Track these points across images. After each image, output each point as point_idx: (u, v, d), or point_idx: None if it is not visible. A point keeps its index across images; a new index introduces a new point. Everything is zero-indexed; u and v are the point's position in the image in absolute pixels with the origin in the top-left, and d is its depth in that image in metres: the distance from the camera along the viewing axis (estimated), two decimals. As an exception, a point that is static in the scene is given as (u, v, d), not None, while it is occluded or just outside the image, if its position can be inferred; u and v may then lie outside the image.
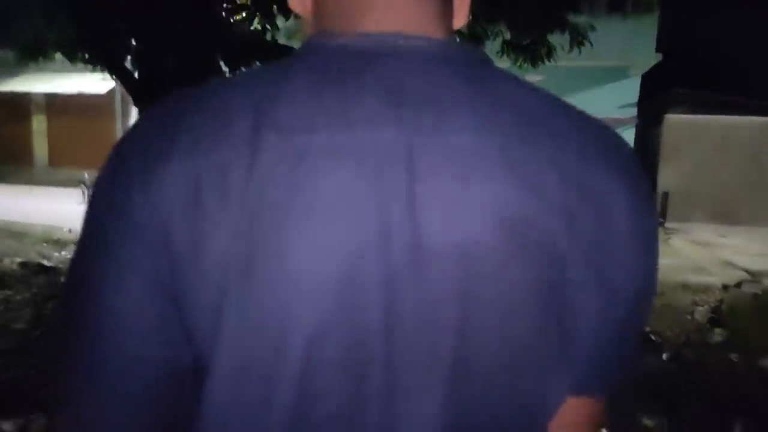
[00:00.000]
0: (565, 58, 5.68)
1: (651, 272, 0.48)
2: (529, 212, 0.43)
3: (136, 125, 0.47)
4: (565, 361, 0.46)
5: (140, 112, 4.81)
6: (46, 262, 5.83)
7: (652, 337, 4.17)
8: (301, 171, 0.42)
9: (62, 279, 5.14)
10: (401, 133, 0.43)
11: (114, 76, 4.82)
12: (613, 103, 11.49)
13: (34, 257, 6.03)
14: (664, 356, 3.81)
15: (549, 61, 5.69)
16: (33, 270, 5.48)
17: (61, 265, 5.73)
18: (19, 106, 13.92)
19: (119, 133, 13.47)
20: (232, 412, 0.43)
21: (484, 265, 0.43)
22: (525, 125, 0.44)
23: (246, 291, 0.41)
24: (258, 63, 4.75)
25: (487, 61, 0.49)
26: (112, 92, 12.49)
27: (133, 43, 4.58)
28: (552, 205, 0.43)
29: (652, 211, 0.48)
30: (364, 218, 0.42)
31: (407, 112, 0.43)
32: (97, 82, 11.08)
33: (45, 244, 6.75)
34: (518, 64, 5.74)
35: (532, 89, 0.48)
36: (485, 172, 0.43)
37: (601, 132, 0.48)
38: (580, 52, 5.55)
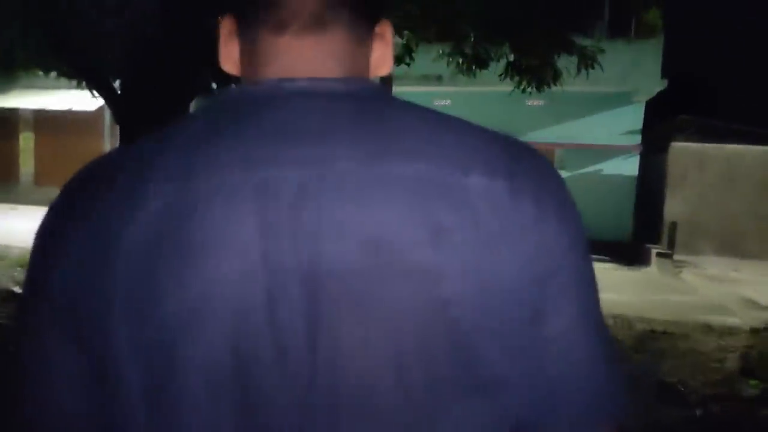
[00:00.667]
0: (567, 83, 5.42)
1: (565, 281, 0.48)
2: (392, 232, 0.45)
3: (50, 206, 0.51)
4: (477, 395, 0.46)
5: (122, 130, 4.56)
6: (17, 289, 5.53)
7: (680, 387, 3.81)
8: (176, 212, 0.45)
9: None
10: (275, 168, 0.46)
11: (95, 92, 4.53)
12: (615, 129, 11.24)
13: (5, 282, 5.74)
14: (698, 412, 3.44)
15: (555, 85, 5.42)
16: (2, 297, 5.19)
17: (33, 292, 5.40)
18: (6, 122, 13.70)
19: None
20: None
21: (357, 287, 0.45)
22: (403, 148, 0.47)
23: (138, 335, 0.45)
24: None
25: (381, 95, 0.52)
26: (101, 110, 12.20)
27: (116, 57, 4.30)
28: (417, 223, 0.45)
29: (556, 212, 0.48)
30: (237, 252, 0.45)
31: (283, 148, 0.46)
32: (85, 99, 10.81)
33: (20, 268, 6.44)
34: (522, 87, 5.45)
35: (427, 115, 0.50)
36: (354, 197, 0.45)
37: (494, 143, 0.50)
38: (587, 76, 5.29)
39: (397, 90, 5.34)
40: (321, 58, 0.51)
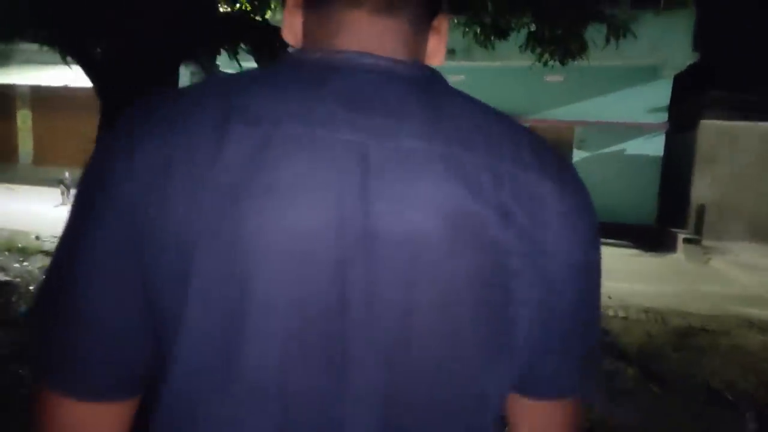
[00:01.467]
0: (591, 57, 4.92)
1: (585, 263, 0.56)
2: (468, 209, 0.50)
3: (123, 117, 0.53)
4: (509, 354, 0.53)
5: (103, 107, 4.16)
6: (1, 276, 5.18)
7: (727, 392, 3.38)
8: (263, 156, 0.48)
9: (15, 298, 4.40)
10: (356, 134, 0.50)
11: (72, 60, 4.12)
12: (640, 106, 10.64)
13: (-11, 269, 5.38)
14: (751, 426, 3.02)
15: (581, 57, 4.92)
16: (-16, 285, 4.85)
17: (17, 279, 5.06)
18: (3, 100, 13.39)
19: (107, 131, 12.95)
20: (192, 371, 0.50)
21: (428, 253, 0.49)
22: (465, 135, 0.52)
23: (205, 259, 0.47)
24: (243, 46, 4.11)
25: (440, 81, 0.57)
26: (100, 87, 11.89)
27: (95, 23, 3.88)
28: (488, 204, 0.50)
29: (584, 209, 0.56)
30: (320, 203, 0.48)
31: (363, 117, 0.51)
32: (83, 76, 10.48)
33: (7, 253, 6.14)
34: (543, 60, 4.95)
35: (477, 105, 0.56)
36: (430, 172, 0.50)
37: (533, 140, 0.56)
38: (616, 47, 4.80)
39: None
40: (389, 39, 0.55)
